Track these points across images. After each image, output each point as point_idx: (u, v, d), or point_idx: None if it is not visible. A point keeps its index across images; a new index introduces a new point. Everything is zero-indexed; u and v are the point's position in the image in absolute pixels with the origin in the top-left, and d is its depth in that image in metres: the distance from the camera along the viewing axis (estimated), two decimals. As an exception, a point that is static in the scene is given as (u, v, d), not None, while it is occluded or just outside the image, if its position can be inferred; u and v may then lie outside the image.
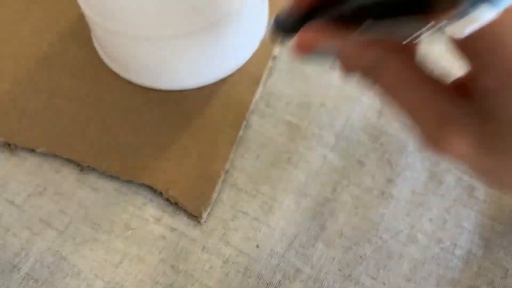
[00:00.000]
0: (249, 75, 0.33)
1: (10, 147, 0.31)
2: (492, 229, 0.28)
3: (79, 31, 0.35)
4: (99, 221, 0.29)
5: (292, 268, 0.27)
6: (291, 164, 0.30)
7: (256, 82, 0.32)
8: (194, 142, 0.30)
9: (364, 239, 0.28)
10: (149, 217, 0.29)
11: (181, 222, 0.29)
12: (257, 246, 0.28)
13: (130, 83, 0.33)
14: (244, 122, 0.31)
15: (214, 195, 0.29)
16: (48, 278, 0.27)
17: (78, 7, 0.30)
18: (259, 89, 0.32)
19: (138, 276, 0.27)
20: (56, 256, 0.28)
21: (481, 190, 0.29)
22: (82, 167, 0.30)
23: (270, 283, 0.27)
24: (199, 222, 0.28)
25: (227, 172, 0.30)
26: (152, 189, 0.30)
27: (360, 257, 0.28)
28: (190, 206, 0.28)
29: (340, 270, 0.27)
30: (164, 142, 0.30)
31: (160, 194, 0.29)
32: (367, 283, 0.27)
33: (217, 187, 0.29)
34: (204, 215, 0.28)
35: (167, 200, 0.29)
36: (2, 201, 0.30)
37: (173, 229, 0.29)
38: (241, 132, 0.31)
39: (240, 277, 0.27)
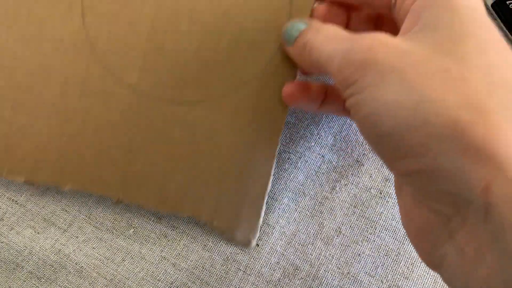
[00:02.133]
0: None
1: (33, 185, 0.29)
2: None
3: (81, 42, 0.28)
4: (101, 220, 0.29)
5: (292, 266, 0.28)
6: (291, 163, 0.31)
7: None
8: (229, 163, 0.27)
9: (362, 238, 0.28)
10: (150, 216, 0.29)
11: (182, 221, 0.29)
12: (257, 245, 0.28)
13: (148, 98, 0.28)
14: (281, 137, 0.27)
15: (260, 221, 0.27)
16: (51, 276, 0.28)
17: (78, 16, 0.26)
18: None
19: (139, 274, 0.28)
20: (59, 254, 0.28)
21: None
22: (117, 199, 0.28)
23: (270, 280, 0.27)
24: (247, 249, 0.28)
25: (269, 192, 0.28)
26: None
27: (358, 255, 0.28)
28: (238, 235, 0.27)
29: (339, 268, 0.28)
30: (196, 164, 0.27)
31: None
32: (365, 281, 0.27)
33: (262, 212, 0.27)
34: (253, 242, 0.27)
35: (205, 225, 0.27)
36: (5, 200, 0.30)
37: (174, 228, 0.29)
38: (279, 146, 0.27)
39: (241, 275, 0.28)
